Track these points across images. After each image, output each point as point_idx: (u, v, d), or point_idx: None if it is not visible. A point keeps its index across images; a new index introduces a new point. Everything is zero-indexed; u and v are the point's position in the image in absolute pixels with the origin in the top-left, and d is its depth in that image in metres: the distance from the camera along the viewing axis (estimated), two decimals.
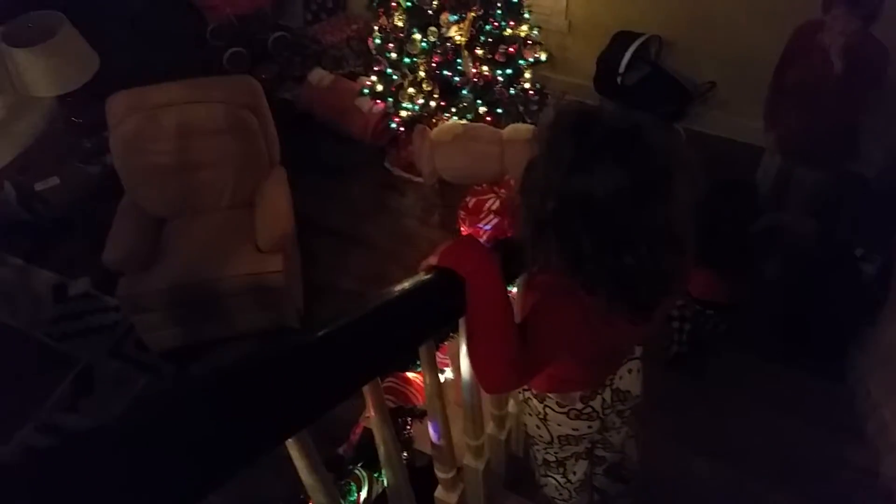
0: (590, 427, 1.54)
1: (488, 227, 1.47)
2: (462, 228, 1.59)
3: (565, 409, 1.49)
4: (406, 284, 1.07)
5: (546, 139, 1.15)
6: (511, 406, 1.80)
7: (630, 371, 1.56)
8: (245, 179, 3.42)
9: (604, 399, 1.52)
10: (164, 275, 3.19)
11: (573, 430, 1.53)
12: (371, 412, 1.06)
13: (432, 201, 4.13)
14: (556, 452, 1.61)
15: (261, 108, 3.40)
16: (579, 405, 1.49)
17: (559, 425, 1.52)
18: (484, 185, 1.57)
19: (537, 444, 1.63)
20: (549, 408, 1.50)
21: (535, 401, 1.52)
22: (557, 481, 1.66)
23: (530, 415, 1.56)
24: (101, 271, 3.32)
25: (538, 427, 1.56)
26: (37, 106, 3.93)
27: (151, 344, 3.38)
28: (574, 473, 1.65)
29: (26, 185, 3.66)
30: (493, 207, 1.49)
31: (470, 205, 1.56)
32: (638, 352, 1.57)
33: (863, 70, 2.73)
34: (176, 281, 3.17)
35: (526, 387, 1.54)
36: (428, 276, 1.11)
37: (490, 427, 1.72)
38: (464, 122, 3.82)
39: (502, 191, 1.53)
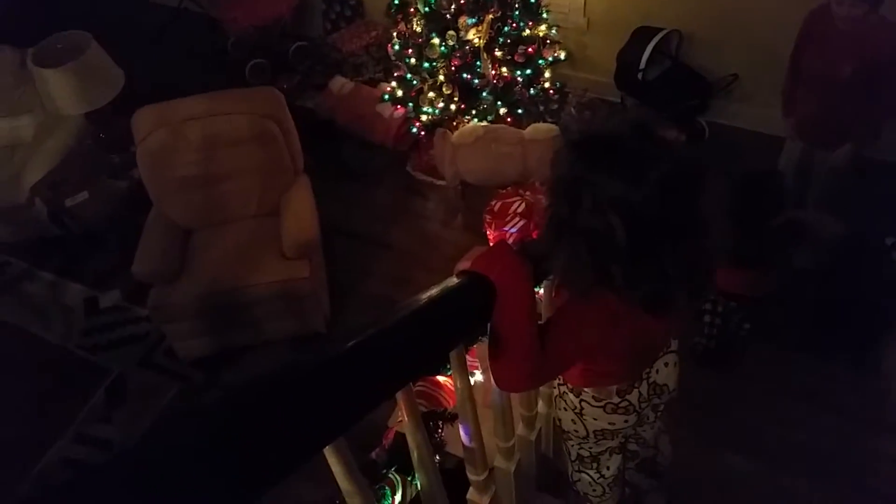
0: (626, 421, 1.54)
1: (514, 229, 1.47)
2: (488, 232, 1.59)
3: (602, 404, 1.49)
4: (436, 290, 1.07)
5: (577, 145, 1.16)
6: (541, 407, 1.79)
7: (667, 364, 1.55)
8: (270, 188, 3.46)
9: (640, 393, 1.51)
10: (193, 285, 3.23)
11: (609, 424, 1.52)
12: (404, 417, 1.06)
13: (455, 204, 4.13)
14: (590, 448, 1.60)
15: (283, 117, 3.43)
16: (616, 399, 1.48)
17: (595, 419, 1.51)
18: (508, 188, 1.57)
19: (571, 440, 1.62)
20: (586, 402, 1.50)
21: (571, 395, 1.52)
22: (591, 477, 1.66)
23: (566, 409, 1.55)
24: (132, 283, 3.39)
25: (573, 422, 1.55)
26: (65, 124, 4.02)
27: (182, 353, 3.43)
28: (608, 468, 1.64)
29: (56, 201, 3.73)
30: (519, 210, 1.48)
31: (495, 208, 1.56)
32: (674, 345, 1.56)
33: (875, 57, 2.68)
34: (204, 290, 3.21)
35: (562, 381, 1.54)
36: (459, 282, 1.12)
37: (520, 428, 1.72)
38: (484, 123, 3.82)
39: (527, 193, 1.52)
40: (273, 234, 3.37)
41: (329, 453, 0.87)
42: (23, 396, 3.49)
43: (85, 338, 3.71)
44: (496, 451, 1.58)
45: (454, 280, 1.13)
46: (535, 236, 1.51)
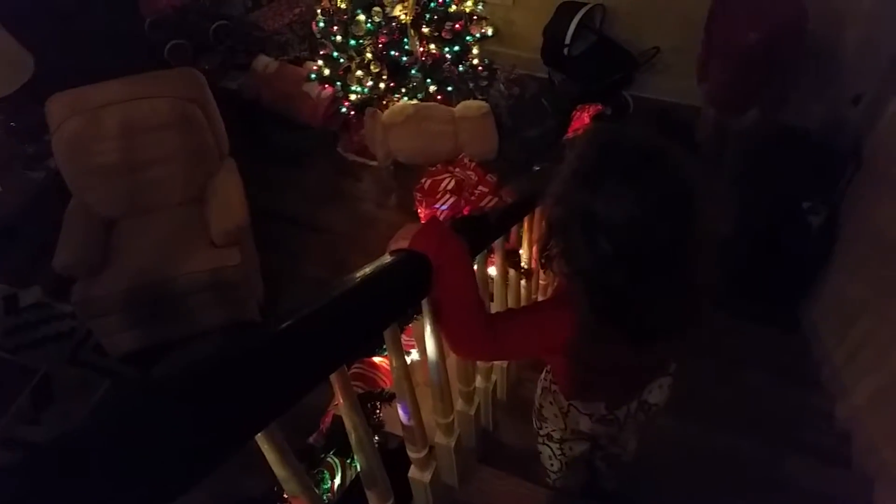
0: (608, 431, 1.53)
1: (445, 206, 1.48)
2: (419, 210, 1.60)
3: (589, 412, 1.47)
4: (368, 269, 1.06)
5: (573, 149, 1.13)
6: (479, 382, 1.82)
7: (661, 386, 1.51)
8: (195, 174, 3.36)
9: (629, 409, 1.49)
10: (119, 277, 3.12)
11: (590, 429, 1.52)
12: (339, 400, 1.06)
13: (388, 184, 4.11)
14: (561, 436, 1.60)
15: (206, 100, 3.33)
16: (604, 411, 1.47)
17: (578, 423, 1.51)
18: (438, 166, 1.58)
19: (546, 422, 1.61)
20: (574, 407, 1.49)
21: (561, 396, 1.50)
22: (552, 451, 1.67)
23: (551, 404, 1.54)
24: (53, 278, 3.24)
25: (556, 416, 1.54)
26: None
27: (111, 348, 3.31)
28: (571, 449, 1.64)
29: None
30: (449, 187, 1.49)
31: (426, 186, 1.56)
32: (671, 367, 1.52)
33: (777, 24, 2.81)
34: (131, 282, 3.10)
35: (554, 382, 1.52)
36: (392, 260, 1.12)
37: (459, 404, 1.74)
38: (415, 102, 3.80)
39: (457, 170, 1.53)
40: (201, 221, 3.28)
41: (261, 440, 0.86)
42: None
43: (6, 338, 3.54)
44: (436, 428, 1.60)
45: (387, 258, 1.12)
46: (465, 212, 1.51)
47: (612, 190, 1.05)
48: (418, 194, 1.59)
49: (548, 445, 1.67)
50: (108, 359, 3.36)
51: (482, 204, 1.47)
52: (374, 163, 4.10)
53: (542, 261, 1.19)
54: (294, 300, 3.52)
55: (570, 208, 1.09)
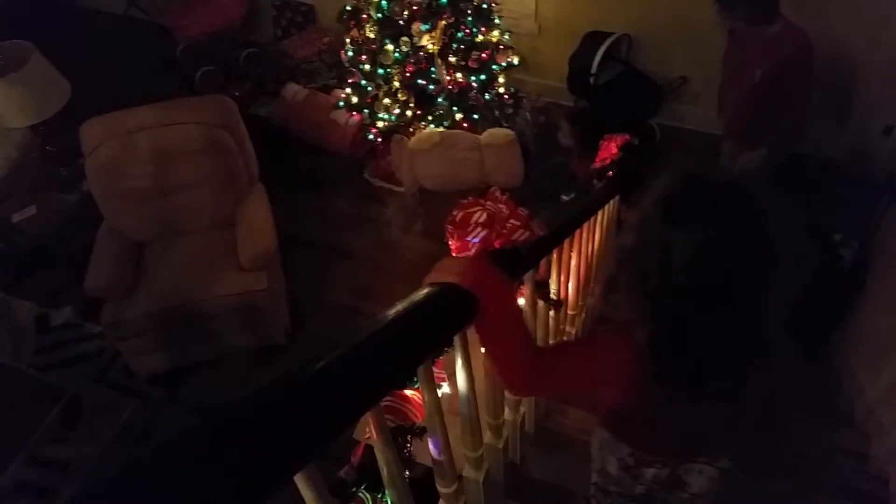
0: (634, 487, 1.45)
1: (476, 239, 1.49)
2: (450, 242, 1.61)
3: (617, 455, 1.41)
4: (406, 304, 1.07)
5: (655, 181, 1.13)
6: (507, 414, 1.81)
7: (701, 473, 1.40)
8: (225, 199, 3.40)
9: (658, 473, 1.40)
10: (148, 299, 3.16)
11: (616, 475, 1.45)
12: (373, 434, 1.06)
13: (414, 210, 4.13)
14: (595, 479, 1.55)
15: (236, 126, 3.39)
16: (629, 459, 1.40)
17: (606, 463, 1.46)
18: (469, 199, 1.59)
19: (593, 461, 1.55)
20: (607, 443, 1.43)
21: (601, 430, 1.47)
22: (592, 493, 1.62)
23: (596, 436, 1.53)
24: (84, 299, 3.30)
25: (595, 451, 1.50)
26: (9, 137, 3.88)
27: (138, 369, 3.35)
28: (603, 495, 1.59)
29: (3, 216, 3.61)
30: (480, 220, 1.50)
31: (457, 218, 1.58)
32: (722, 461, 1.40)
33: (782, 71, 2.83)
34: (160, 305, 3.14)
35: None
36: (427, 294, 1.12)
37: (487, 437, 1.73)
38: (441, 129, 3.83)
39: (488, 203, 1.54)
40: (229, 245, 3.31)
41: (300, 480, 0.86)
42: None
43: (37, 357, 3.60)
44: (464, 460, 1.59)
45: (422, 292, 1.13)
46: (496, 245, 1.52)
47: (694, 224, 1.04)
48: (449, 227, 1.60)
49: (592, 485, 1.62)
50: (135, 380, 3.40)
51: (514, 237, 1.48)
52: (400, 189, 4.13)
53: (605, 291, 1.19)
54: (319, 325, 3.57)
55: (649, 238, 1.08)
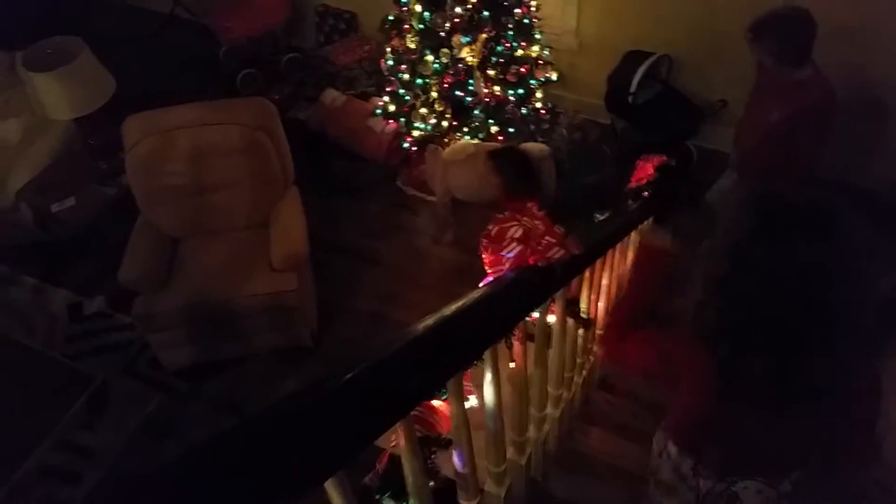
0: (686, 496, 1.45)
1: (511, 254, 1.49)
2: (484, 256, 1.62)
3: (675, 463, 1.44)
4: (435, 318, 1.08)
5: (738, 205, 1.15)
6: (531, 431, 1.81)
7: (759, 492, 1.39)
8: (260, 200, 3.45)
9: (713, 487, 1.41)
10: (180, 294, 3.21)
11: (668, 481, 1.47)
12: (401, 443, 1.07)
13: (445, 220, 4.14)
14: (652, 480, 1.55)
15: (274, 129, 3.43)
16: (688, 470, 1.42)
17: (659, 470, 1.46)
18: (506, 213, 1.60)
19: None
20: (668, 452, 1.46)
21: (661, 434, 1.48)
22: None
23: (656, 441, 1.52)
24: (117, 290, 3.36)
25: (653, 455, 1.52)
26: (53, 128, 3.99)
27: (166, 362, 3.40)
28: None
29: (43, 206, 3.70)
30: (516, 235, 1.50)
31: (493, 233, 1.58)
32: (785, 485, 1.39)
33: (800, 117, 2.78)
34: (191, 300, 3.19)
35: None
36: (458, 308, 1.13)
37: (511, 452, 1.73)
38: (476, 141, 3.84)
39: (525, 218, 1.55)
40: (262, 245, 3.35)
41: (330, 486, 0.87)
42: (3, 403, 3.44)
43: (68, 344, 3.67)
44: (486, 474, 1.58)
45: (453, 307, 1.13)
46: (531, 262, 1.52)
47: (784, 246, 1.06)
48: (484, 240, 1.61)
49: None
50: (162, 372, 3.45)
51: (548, 255, 1.47)
52: (432, 198, 4.15)
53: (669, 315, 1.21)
54: (345, 330, 3.59)
55: (739, 263, 1.09)
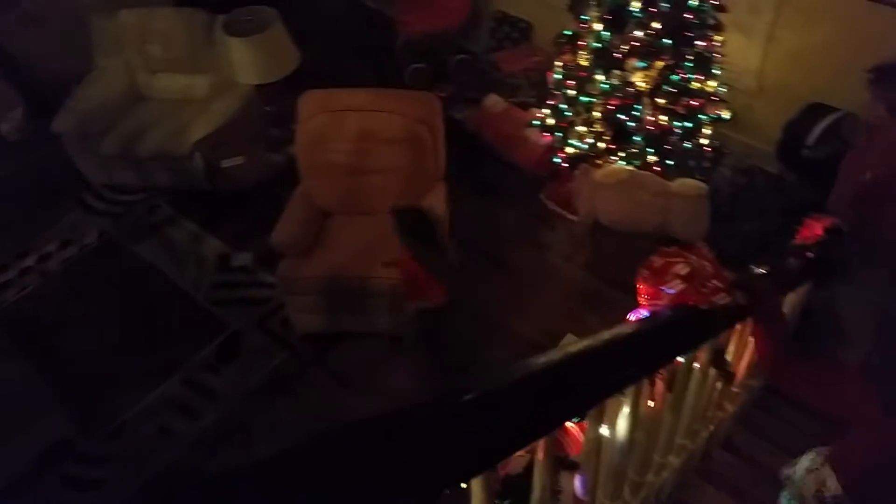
0: None
1: (672, 291, 1.44)
2: (640, 286, 1.58)
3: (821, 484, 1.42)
4: (602, 342, 1.07)
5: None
6: (650, 476, 1.75)
7: None
8: (410, 189, 3.55)
9: None
10: (321, 263, 3.37)
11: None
12: (540, 457, 1.07)
13: (582, 241, 4.09)
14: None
15: (436, 124, 3.53)
16: (831, 499, 1.39)
17: (803, 489, 1.42)
18: (674, 247, 1.54)
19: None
20: (827, 487, 1.42)
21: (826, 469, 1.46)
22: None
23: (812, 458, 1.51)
24: (265, 249, 3.58)
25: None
26: (236, 90, 4.30)
27: (297, 324, 3.59)
28: None
29: (214, 160, 4.00)
30: (682, 273, 1.45)
31: (656, 265, 1.53)
32: None
33: (886, 187, 2.42)
34: (330, 271, 3.35)
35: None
36: (616, 336, 1.11)
37: (626, 491, 1.68)
38: (630, 167, 3.76)
39: (693, 257, 1.49)
40: None
41: (476, 483, 0.89)
42: (145, 332, 3.77)
43: (212, 290, 3.95)
44: None
45: (608, 335, 1.12)
46: (691, 302, 1.46)
47: None
48: (645, 271, 1.56)
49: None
50: (290, 333, 3.64)
51: (713, 299, 1.42)
52: (573, 217, 4.10)
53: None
54: (460, 327, 3.63)
55: None
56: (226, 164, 3.97)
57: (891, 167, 2.46)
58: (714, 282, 1.50)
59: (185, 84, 4.56)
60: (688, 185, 3.63)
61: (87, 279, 4.06)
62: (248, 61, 3.84)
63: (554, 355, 0.98)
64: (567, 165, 4.06)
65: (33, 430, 3.23)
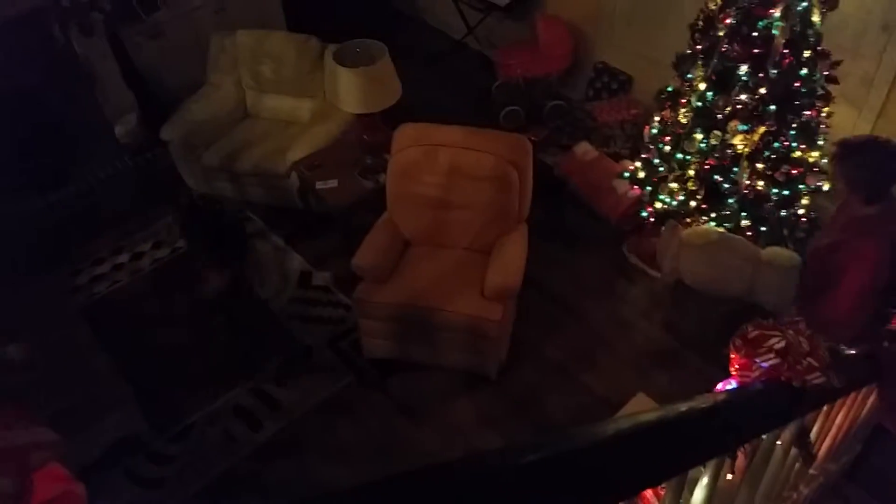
0: None
1: (765, 364, 1.39)
2: (733, 356, 1.53)
3: None
4: (699, 409, 1.04)
5: None
6: None
7: None
8: (491, 227, 3.58)
9: None
10: (397, 291, 3.42)
11: None
12: None
13: (662, 299, 4.00)
14: None
15: (525, 167, 3.55)
16: None
17: None
18: (771, 320, 1.50)
19: None
20: None
21: None
22: None
23: None
24: (344, 271, 3.66)
25: None
26: (338, 116, 4.47)
27: (366, 348, 3.64)
28: None
29: (309, 180, 4.15)
30: (777, 346, 1.40)
31: (750, 335, 1.49)
32: None
33: (848, 252, 2.40)
34: (405, 300, 3.39)
35: None
36: (714, 406, 1.08)
37: None
38: (720, 230, 3.66)
39: (790, 332, 1.44)
40: (479, 270, 3.47)
41: None
42: (222, 338, 3.89)
43: (289, 305, 4.07)
44: None
45: (704, 404, 1.09)
46: (784, 378, 1.40)
47: None
48: (738, 340, 1.52)
49: None
50: (359, 356, 3.69)
51: (807, 377, 1.36)
52: (654, 273, 4.02)
53: None
54: (530, 373, 3.60)
55: None
56: (319, 185, 4.11)
57: (842, 238, 2.49)
58: (809, 360, 1.44)
59: (291, 106, 4.79)
60: (780, 254, 3.50)
61: (173, 281, 4.24)
62: (353, 91, 3.98)
63: (644, 418, 0.97)
64: (653, 220, 3.99)
65: (107, 422, 3.36)
